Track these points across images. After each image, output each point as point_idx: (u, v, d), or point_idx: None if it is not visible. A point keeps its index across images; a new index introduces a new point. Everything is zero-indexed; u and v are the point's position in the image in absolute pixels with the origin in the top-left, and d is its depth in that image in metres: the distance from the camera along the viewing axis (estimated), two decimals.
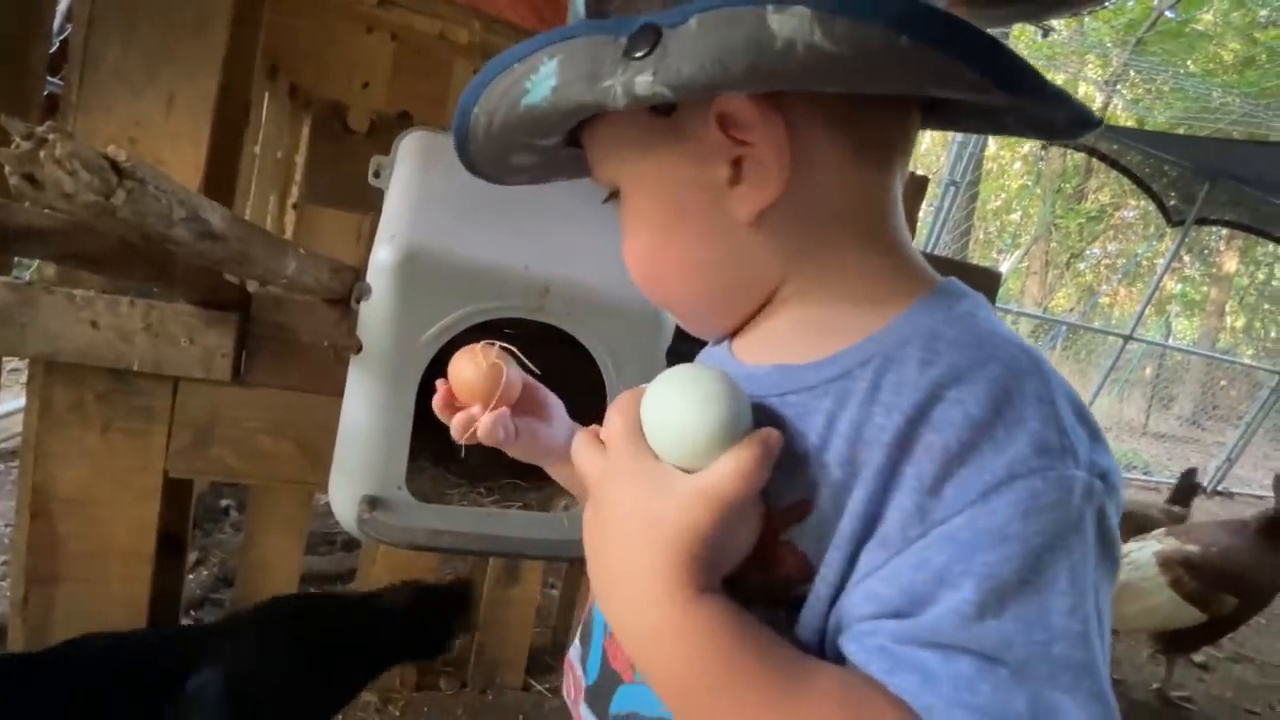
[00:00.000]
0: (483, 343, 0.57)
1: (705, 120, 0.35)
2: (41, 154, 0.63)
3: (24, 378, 1.26)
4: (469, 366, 0.55)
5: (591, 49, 0.32)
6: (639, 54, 0.30)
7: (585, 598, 0.54)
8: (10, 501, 1.18)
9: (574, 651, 0.51)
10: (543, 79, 0.33)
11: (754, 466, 0.30)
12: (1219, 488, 6.21)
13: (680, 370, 0.34)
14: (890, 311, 0.36)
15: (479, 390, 0.54)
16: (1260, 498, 6.51)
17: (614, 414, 0.35)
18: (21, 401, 1.76)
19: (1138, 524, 2.84)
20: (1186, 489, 3.04)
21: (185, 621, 1.53)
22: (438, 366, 0.93)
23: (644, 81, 0.30)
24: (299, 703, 1.01)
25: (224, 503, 2.16)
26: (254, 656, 0.98)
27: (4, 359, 1.27)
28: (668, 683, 0.30)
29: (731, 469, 0.30)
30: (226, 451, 1.20)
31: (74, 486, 1.16)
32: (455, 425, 0.55)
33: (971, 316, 0.35)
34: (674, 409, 0.32)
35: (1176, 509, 2.99)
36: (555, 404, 0.61)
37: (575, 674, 0.49)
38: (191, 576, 1.72)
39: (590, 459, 0.35)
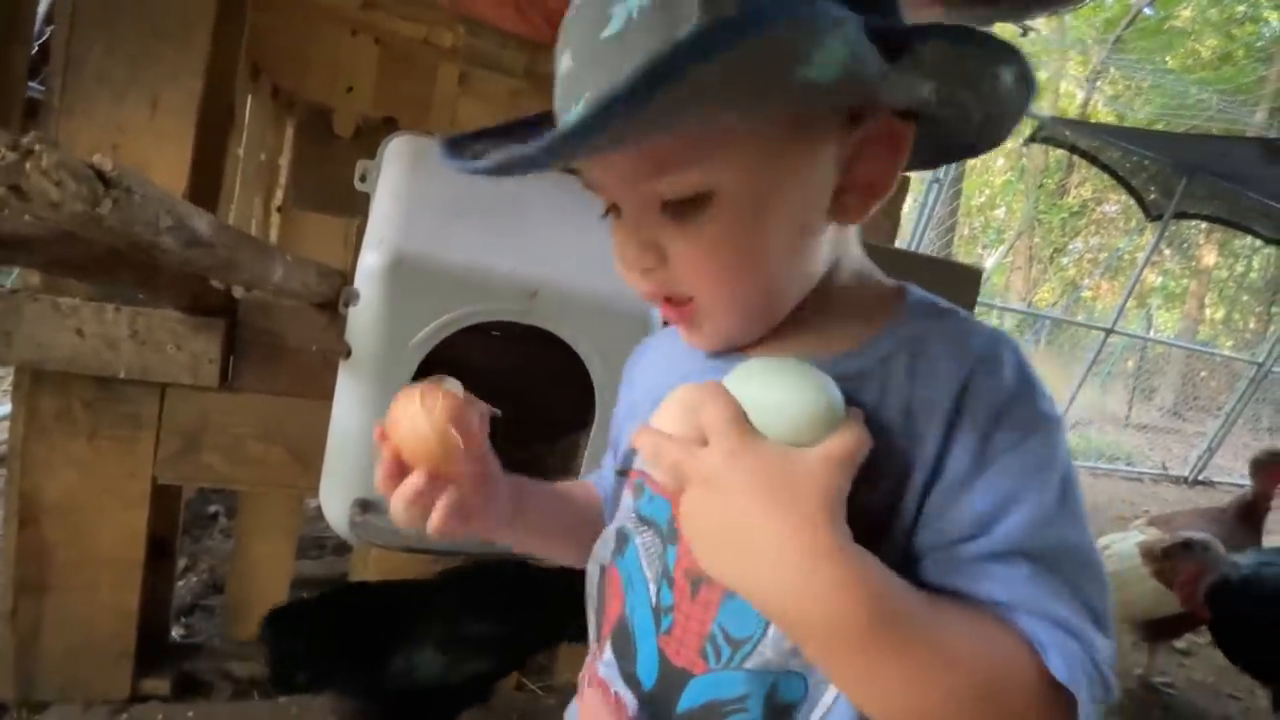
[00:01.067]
0: (428, 381, 0.46)
1: (837, 128, 0.39)
2: (27, 165, 0.64)
3: (8, 385, 1.25)
4: (418, 419, 0.42)
5: (861, 35, 0.31)
6: (898, 60, 0.33)
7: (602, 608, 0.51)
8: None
9: (606, 669, 0.48)
10: (834, 52, 0.31)
11: (864, 435, 0.36)
12: (1200, 477, 6.32)
13: (768, 362, 0.40)
14: (888, 308, 0.45)
15: (427, 453, 0.43)
16: (1240, 485, 6.61)
17: (710, 406, 0.37)
18: (8, 409, 1.74)
19: None
20: None
21: (175, 631, 1.52)
22: (427, 370, 0.94)
23: (926, 88, 0.36)
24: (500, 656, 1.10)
25: (212, 509, 2.15)
26: (464, 613, 1.08)
27: None
28: (828, 635, 0.33)
29: (853, 436, 0.36)
30: (215, 457, 1.20)
31: (62, 494, 1.16)
32: (399, 500, 0.44)
33: (953, 311, 0.45)
34: (787, 394, 0.36)
35: None
36: (496, 465, 0.51)
37: (613, 693, 0.46)
38: (181, 583, 1.71)
39: (684, 451, 0.37)
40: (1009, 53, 0.34)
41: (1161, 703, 2.17)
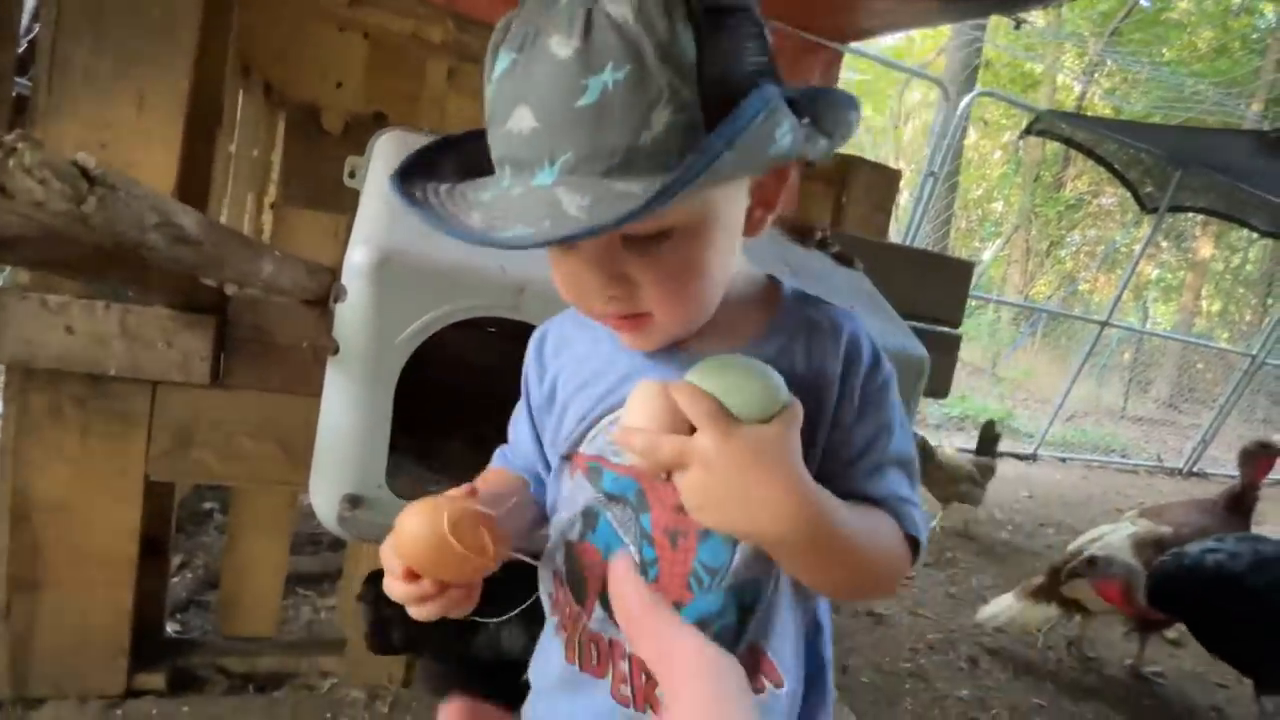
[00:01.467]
0: (449, 495, 0.48)
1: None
2: (11, 163, 0.64)
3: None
4: (442, 545, 0.44)
5: (786, 107, 0.44)
6: (805, 122, 0.47)
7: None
8: None
9: (599, 624, 0.56)
10: (785, 131, 0.44)
11: (799, 405, 0.48)
12: (1194, 469, 6.35)
13: (721, 359, 0.49)
14: (771, 298, 0.59)
15: (441, 568, 0.45)
16: (1233, 477, 6.64)
17: (694, 403, 0.45)
18: None
19: (949, 475, 3.09)
20: (989, 440, 3.36)
21: (170, 627, 1.53)
22: (418, 366, 0.94)
23: (825, 145, 0.49)
24: None
25: (207, 505, 2.16)
26: None
27: None
28: (801, 547, 0.47)
29: (796, 407, 0.48)
30: (208, 454, 1.20)
31: (54, 491, 1.16)
32: (406, 596, 0.48)
33: (817, 300, 0.59)
34: (747, 384, 0.47)
35: (984, 459, 3.25)
36: (527, 511, 0.63)
37: (607, 640, 0.56)
38: (176, 579, 1.72)
39: (679, 442, 0.45)
40: (855, 102, 0.51)
41: (1150, 692, 2.19)
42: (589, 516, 0.56)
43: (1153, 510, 2.52)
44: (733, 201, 0.50)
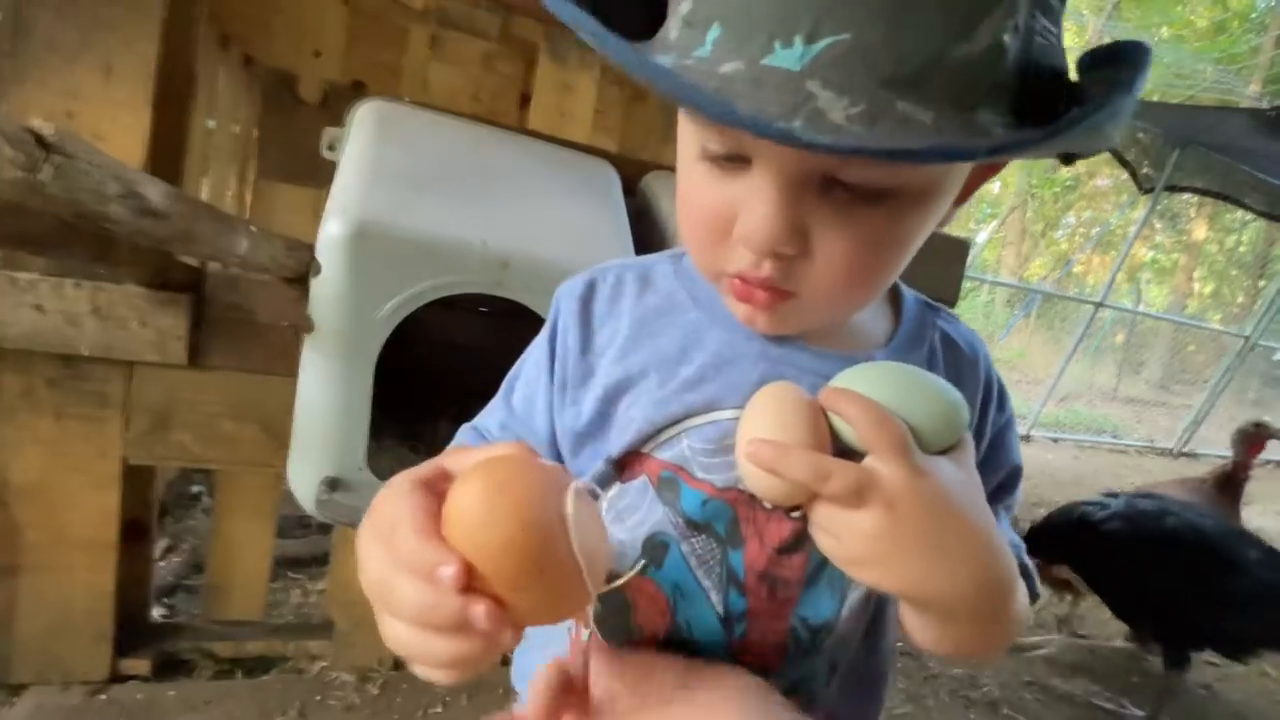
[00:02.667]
0: (521, 458, 0.29)
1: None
2: None
3: None
4: (554, 545, 0.26)
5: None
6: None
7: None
8: None
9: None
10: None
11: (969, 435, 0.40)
12: (1185, 449, 6.39)
13: (889, 367, 0.39)
14: (892, 306, 0.49)
15: (539, 583, 0.26)
16: (1224, 457, 6.69)
17: (877, 427, 0.35)
18: None
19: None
20: None
21: (157, 611, 1.51)
22: (399, 346, 0.91)
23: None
24: None
25: (194, 489, 2.13)
26: None
27: None
28: (988, 614, 0.37)
29: (969, 437, 0.40)
30: (187, 436, 1.17)
31: (30, 474, 1.13)
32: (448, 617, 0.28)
33: (938, 307, 0.50)
34: (935, 405, 0.37)
35: None
36: None
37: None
38: (164, 563, 1.69)
39: (860, 473, 0.34)
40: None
41: (1140, 669, 2.20)
42: (656, 546, 0.43)
43: (1142, 489, 2.52)
44: (959, 181, 0.38)
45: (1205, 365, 8.55)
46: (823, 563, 0.42)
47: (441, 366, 1.26)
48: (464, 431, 0.54)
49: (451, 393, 1.21)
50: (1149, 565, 1.75)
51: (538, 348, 0.50)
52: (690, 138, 0.37)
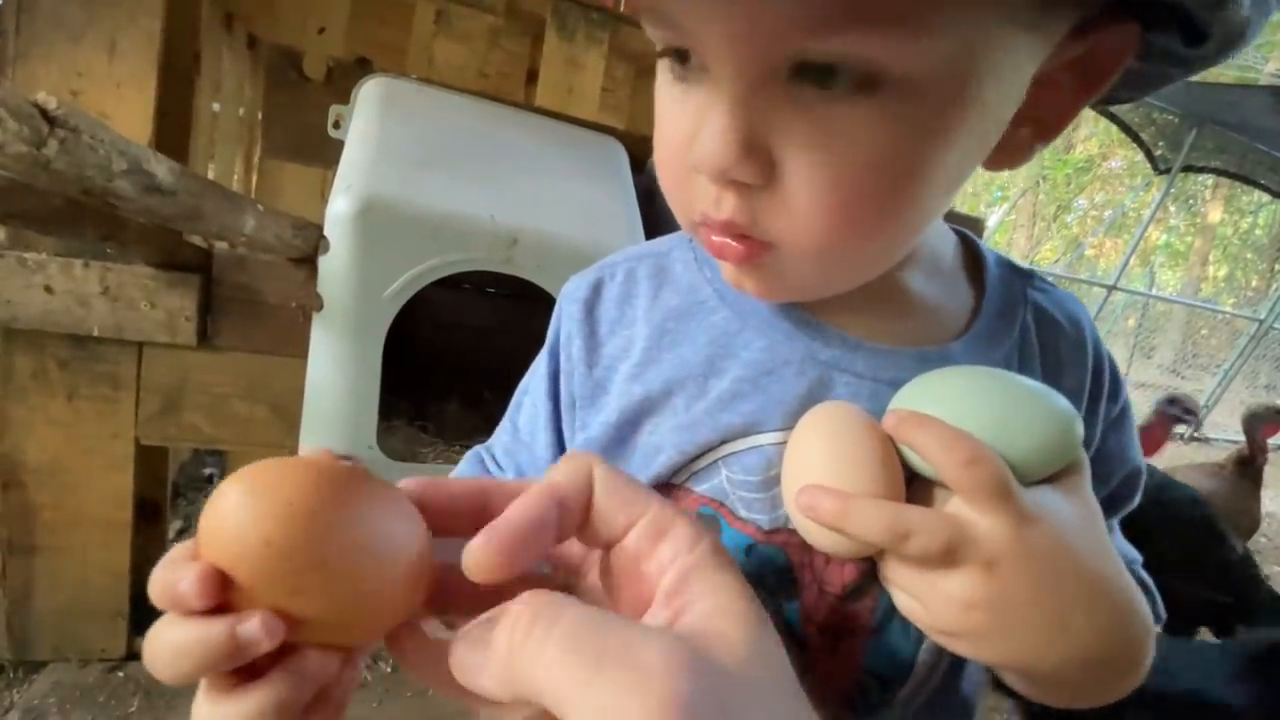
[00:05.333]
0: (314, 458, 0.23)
1: (1067, 32, 0.27)
2: None
3: None
4: (326, 543, 0.21)
5: None
6: None
7: None
8: None
9: None
10: None
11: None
12: (1196, 434, 6.34)
13: (969, 372, 0.31)
14: (971, 270, 0.39)
15: (315, 592, 0.21)
16: (1235, 442, 6.64)
17: (970, 466, 0.27)
18: None
19: None
20: None
21: None
22: (409, 326, 0.91)
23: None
24: None
25: (208, 470, 2.15)
26: None
27: None
28: (1111, 672, 0.29)
29: (1083, 452, 0.31)
30: (198, 417, 1.18)
31: (44, 455, 1.14)
32: (190, 642, 0.22)
33: (1031, 272, 0.41)
34: (1033, 421, 0.28)
35: None
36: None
37: None
38: (178, 543, 1.71)
39: (951, 528, 0.27)
40: None
41: None
42: None
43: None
44: (1007, 83, 0.27)
45: (1218, 350, 8.47)
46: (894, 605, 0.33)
47: (450, 347, 1.26)
48: (469, 458, 0.47)
49: (460, 374, 1.21)
50: (1149, 538, 1.73)
51: (541, 359, 0.43)
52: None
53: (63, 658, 1.23)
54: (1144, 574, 0.39)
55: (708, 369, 0.36)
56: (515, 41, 1.26)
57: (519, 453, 0.44)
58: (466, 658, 0.21)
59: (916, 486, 0.30)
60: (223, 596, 0.21)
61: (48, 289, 1.03)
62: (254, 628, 0.20)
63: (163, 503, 1.36)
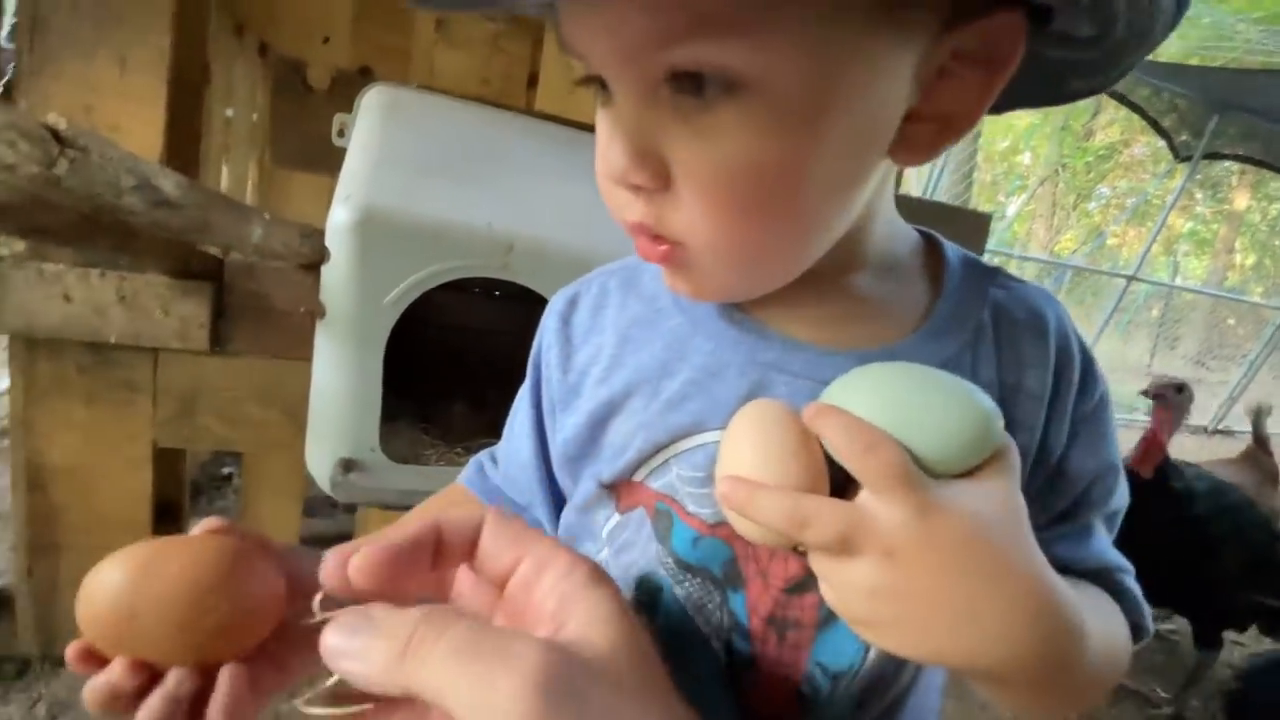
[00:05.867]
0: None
1: (934, 26, 0.28)
2: None
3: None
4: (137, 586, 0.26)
5: None
6: None
7: None
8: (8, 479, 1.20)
9: None
10: None
11: (1011, 440, 0.31)
12: (1220, 426, 6.22)
13: (889, 369, 0.32)
14: (930, 270, 0.40)
15: (131, 632, 0.26)
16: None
17: (863, 449, 0.28)
18: (4, 383, 1.77)
19: None
20: None
21: None
22: (413, 329, 0.93)
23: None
24: None
25: (225, 470, 2.20)
26: None
27: None
28: (1043, 679, 0.29)
29: (1011, 447, 0.31)
30: (213, 420, 1.21)
31: (66, 458, 1.18)
32: (95, 695, 0.28)
33: (994, 270, 0.41)
34: (947, 413, 0.29)
35: None
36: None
37: None
38: None
39: (847, 515, 0.28)
40: None
41: (1164, 649, 2.18)
42: (647, 590, 0.38)
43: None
44: (875, 77, 0.28)
45: (1244, 340, 8.27)
46: None
47: (454, 349, 1.28)
48: (471, 463, 0.51)
49: (464, 376, 1.23)
50: (1200, 544, 1.67)
51: (528, 370, 0.46)
52: None
53: None
54: (1129, 582, 0.39)
55: (662, 372, 0.38)
56: (516, 45, 1.27)
57: (509, 456, 0.47)
58: (342, 644, 0.24)
59: (850, 480, 0.30)
60: (97, 659, 0.28)
61: (66, 298, 1.07)
62: (117, 675, 0.27)
63: (181, 502, 1.40)
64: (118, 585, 0.25)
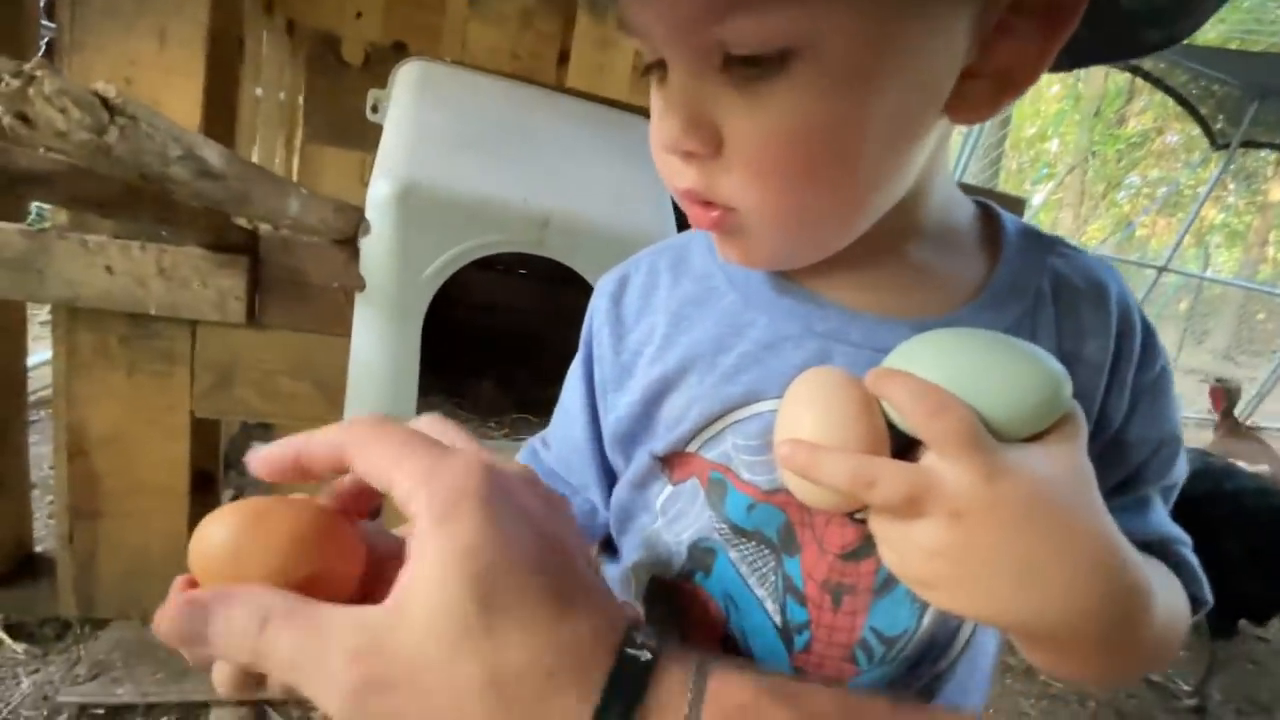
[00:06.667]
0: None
1: None
2: (31, 91, 0.63)
3: (38, 331, 1.30)
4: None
5: None
6: None
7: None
8: (51, 446, 1.24)
9: None
10: None
11: (1078, 406, 0.31)
12: (1248, 422, 6.10)
13: (955, 334, 0.31)
14: (989, 239, 0.39)
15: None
16: None
17: (932, 411, 0.28)
18: (42, 355, 1.81)
19: None
20: None
21: None
22: (445, 308, 0.93)
23: None
24: None
25: (256, 444, 2.24)
26: None
27: (31, 311, 1.31)
28: (1106, 641, 0.29)
29: (1077, 412, 0.31)
30: (249, 392, 1.23)
31: (106, 426, 1.21)
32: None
33: (1054, 240, 0.40)
34: (1016, 378, 0.29)
35: None
36: None
37: None
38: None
39: (917, 478, 0.28)
40: None
41: (1185, 642, 2.16)
42: (702, 554, 0.39)
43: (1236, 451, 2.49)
44: (928, 37, 0.28)
45: (1275, 335, 8.08)
46: None
47: (485, 328, 1.28)
48: (525, 449, 0.52)
49: (494, 353, 1.24)
50: (1210, 529, 1.67)
51: (579, 351, 0.47)
52: None
53: (125, 616, 1.31)
54: (1187, 554, 0.39)
55: (717, 347, 0.39)
56: (547, 22, 1.26)
57: (561, 439, 0.48)
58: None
59: (910, 445, 0.30)
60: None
61: (108, 269, 1.09)
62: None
63: (216, 473, 1.43)
64: (230, 530, 0.28)
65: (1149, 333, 0.39)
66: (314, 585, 0.27)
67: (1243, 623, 1.77)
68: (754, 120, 0.29)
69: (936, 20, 0.28)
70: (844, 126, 0.29)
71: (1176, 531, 0.39)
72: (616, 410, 0.42)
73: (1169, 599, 0.34)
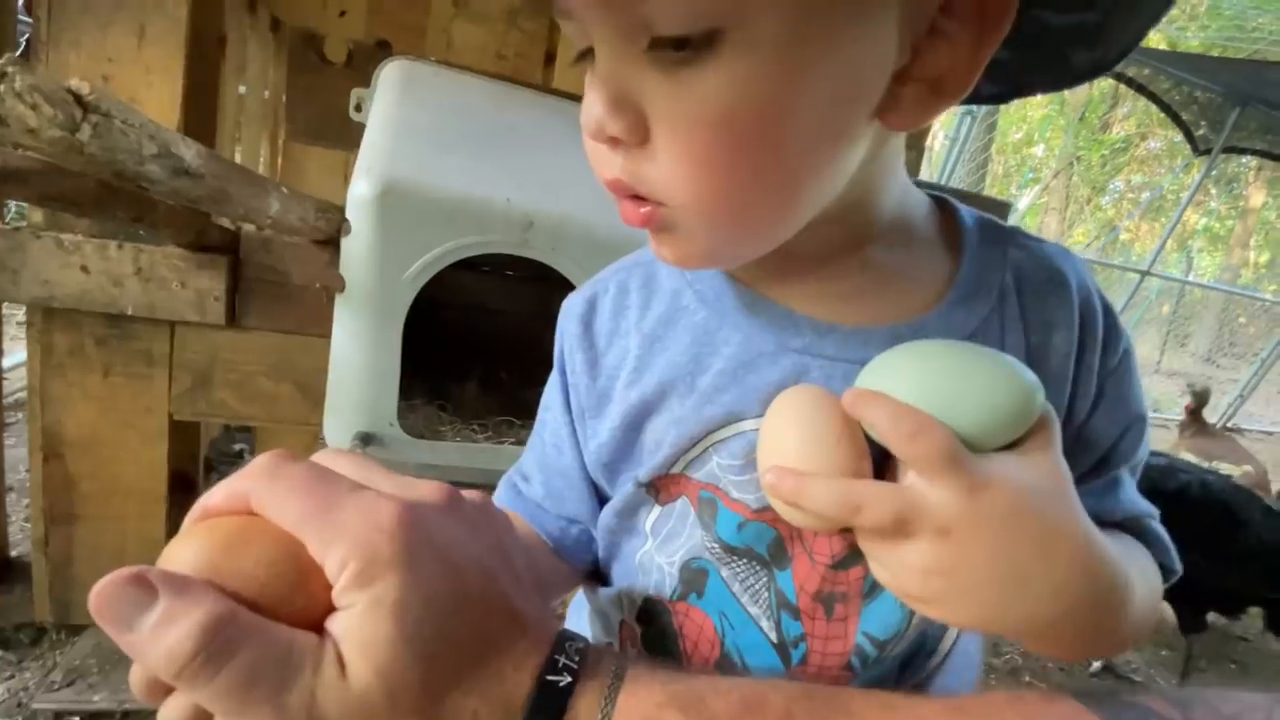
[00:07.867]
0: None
1: None
2: (1, 88, 0.62)
3: (14, 333, 1.27)
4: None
5: None
6: None
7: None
8: (26, 449, 1.21)
9: None
10: None
11: (1050, 407, 0.32)
12: (1229, 424, 6.18)
13: (925, 346, 0.32)
14: (948, 235, 0.39)
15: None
16: (1270, 433, 6.47)
17: (910, 433, 0.29)
18: (16, 358, 1.78)
19: None
20: None
21: None
22: (428, 309, 0.93)
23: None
24: None
25: (238, 446, 2.21)
26: None
27: (7, 311, 1.28)
28: (1089, 628, 0.30)
29: (1051, 415, 0.31)
30: (228, 394, 1.21)
31: (82, 429, 1.19)
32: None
33: (1014, 231, 0.40)
34: (988, 390, 0.29)
35: None
36: None
37: None
38: None
39: (901, 499, 0.29)
40: None
41: (1167, 643, 2.18)
42: (694, 574, 0.39)
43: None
44: (860, 33, 0.28)
45: (1256, 338, 8.21)
46: None
47: (469, 329, 1.28)
48: (502, 484, 0.49)
49: (478, 355, 1.23)
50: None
51: (553, 375, 0.45)
52: None
53: None
54: (1155, 526, 0.40)
55: (694, 367, 0.38)
56: (533, 21, 1.25)
57: (546, 467, 0.46)
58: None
59: (892, 462, 0.31)
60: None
61: (84, 269, 1.07)
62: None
63: (195, 476, 1.41)
64: (196, 558, 0.26)
65: (1109, 314, 0.39)
66: (279, 607, 0.25)
67: (1224, 622, 1.80)
68: (679, 105, 0.28)
69: (867, 12, 0.27)
70: (771, 113, 0.28)
71: (1145, 506, 0.40)
72: (598, 437, 0.41)
73: (1144, 577, 0.35)
